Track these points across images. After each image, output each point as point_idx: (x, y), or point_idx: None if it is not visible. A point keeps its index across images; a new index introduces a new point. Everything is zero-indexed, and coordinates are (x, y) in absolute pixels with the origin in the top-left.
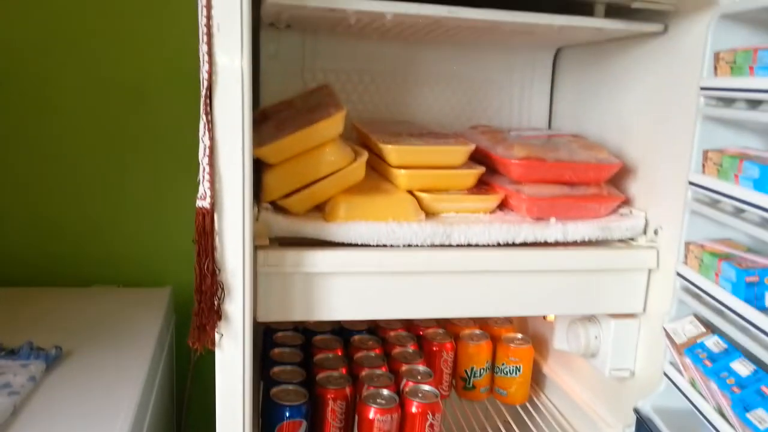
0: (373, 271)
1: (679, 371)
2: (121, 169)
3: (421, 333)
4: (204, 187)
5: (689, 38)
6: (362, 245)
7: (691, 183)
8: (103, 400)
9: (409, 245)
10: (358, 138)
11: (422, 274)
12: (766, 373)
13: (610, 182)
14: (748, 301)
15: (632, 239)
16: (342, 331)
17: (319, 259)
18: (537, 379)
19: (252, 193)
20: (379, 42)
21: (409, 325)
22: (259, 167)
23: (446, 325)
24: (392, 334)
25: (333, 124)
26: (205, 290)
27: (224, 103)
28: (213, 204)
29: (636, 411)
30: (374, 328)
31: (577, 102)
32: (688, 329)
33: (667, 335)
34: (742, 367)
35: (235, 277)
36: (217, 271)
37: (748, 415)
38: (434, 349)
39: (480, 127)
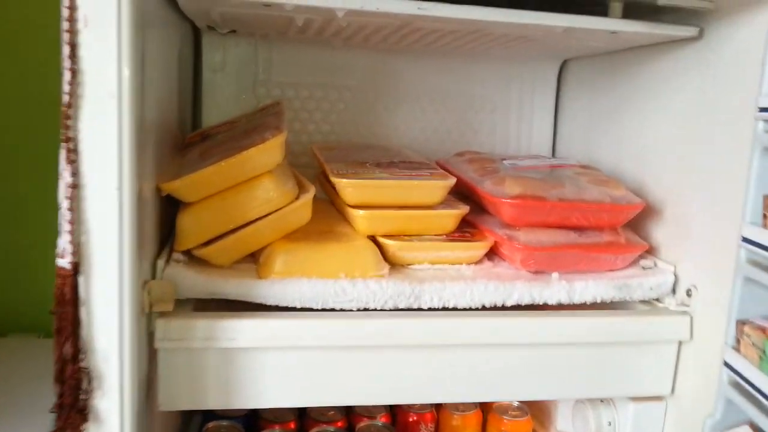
0: (316, 345)
1: None
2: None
3: None
4: (63, 241)
5: (732, 45)
6: (303, 309)
7: (745, 239)
8: None
9: (366, 309)
10: (318, 167)
11: (381, 349)
12: None
13: (628, 226)
14: None
15: (658, 300)
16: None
17: (240, 330)
18: None
19: (136, 244)
20: (347, 51)
21: None
22: (175, 207)
23: None
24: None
25: (267, 152)
26: (65, 380)
27: (93, 125)
28: (76, 264)
29: None
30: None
31: (587, 124)
32: None
33: None
34: None
35: (108, 361)
36: (82, 356)
37: None
38: (411, 420)
39: (468, 154)
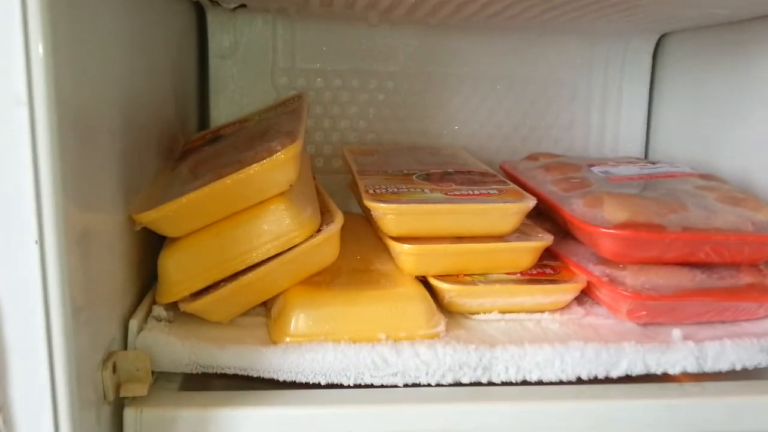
0: None
1: None
2: None
3: None
4: None
5: None
6: (329, 386)
7: None
8: None
9: (415, 385)
10: (352, 176)
11: None
12: None
13: None
14: None
15: None
16: None
17: (237, 425)
18: None
19: (72, 307)
20: (388, 29)
21: None
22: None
23: None
24: None
25: (274, 170)
26: None
27: None
28: None
29: None
30: None
31: (697, 116)
32: None
33: None
34: None
35: None
36: None
37: None
38: None
39: (542, 158)
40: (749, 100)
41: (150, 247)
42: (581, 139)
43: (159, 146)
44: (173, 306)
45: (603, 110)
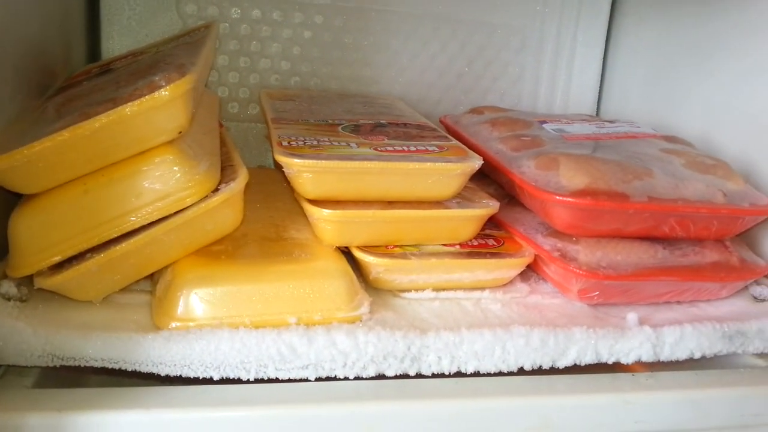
0: None
1: None
2: None
3: None
4: None
5: None
6: (223, 381)
7: None
8: None
9: (331, 378)
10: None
11: None
12: None
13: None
14: None
15: None
16: None
17: (108, 427)
18: None
19: None
20: None
21: None
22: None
23: None
24: None
25: (159, 110)
26: None
27: None
28: None
29: None
30: None
31: (656, 70)
32: None
33: None
34: None
35: None
36: None
37: None
38: None
39: (488, 111)
40: (717, 54)
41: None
42: (529, 94)
43: (26, 80)
44: (28, 281)
45: (555, 62)
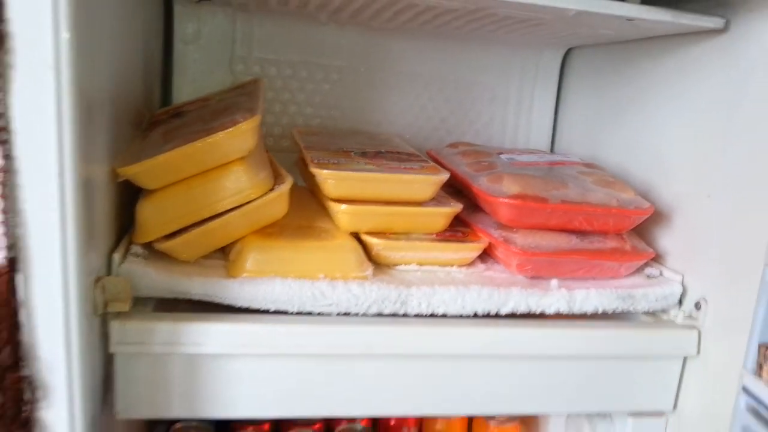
0: (291, 353)
1: None
2: None
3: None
4: None
5: (760, 40)
6: (276, 312)
7: None
8: None
9: (347, 314)
10: (299, 155)
11: (364, 358)
12: None
13: (634, 231)
14: None
15: (663, 312)
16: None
17: (207, 334)
18: None
19: (82, 236)
20: (336, 28)
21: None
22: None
23: None
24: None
25: (239, 137)
26: (4, 390)
27: (26, 99)
28: (13, 260)
29: None
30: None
31: (591, 119)
32: None
33: None
34: None
35: (54, 370)
36: (23, 363)
37: None
38: (392, 423)
39: (461, 146)
40: (633, 106)
41: (128, 198)
42: (498, 134)
43: (132, 118)
44: (148, 246)
45: (518, 110)
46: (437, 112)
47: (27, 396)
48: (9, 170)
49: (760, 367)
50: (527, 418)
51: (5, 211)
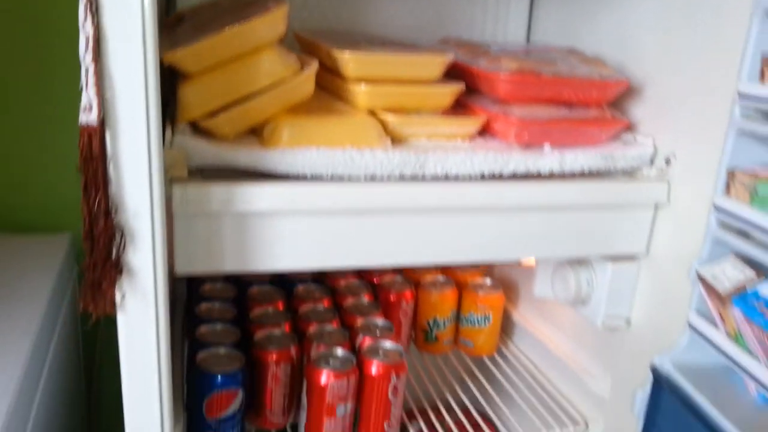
0: (328, 210)
1: (713, 323)
2: None
3: (376, 281)
4: (88, 96)
5: None
6: (312, 177)
7: (742, 94)
8: None
9: (373, 177)
10: (303, 50)
11: (389, 213)
12: None
13: (610, 106)
14: None
15: (637, 170)
16: (283, 281)
17: (256, 195)
18: (506, 327)
19: (160, 103)
20: None
21: (361, 272)
22: (174, 79)
23: (404, 271)
24: (343, 283)
25: (271, 23)
26: (97, 236)
27: None
28: (102, 118)
29: (653, 369)
30: (321, 277)
31: (565, 15)
32: (731, 274)
33: (703, 282)
34: None
35: (139, 218)
36: (113, 211)
37: None
38: (392, 299)
39: (452, 41)
40: (605, 2)
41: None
42: (478, 34)
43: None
44: (190, 126)
45: (496, 11)
46: (424, 14)
47: (117, 242)
48: (100, 38)
49: (727, 188)
50: (507, 282)
51: (97, 76)
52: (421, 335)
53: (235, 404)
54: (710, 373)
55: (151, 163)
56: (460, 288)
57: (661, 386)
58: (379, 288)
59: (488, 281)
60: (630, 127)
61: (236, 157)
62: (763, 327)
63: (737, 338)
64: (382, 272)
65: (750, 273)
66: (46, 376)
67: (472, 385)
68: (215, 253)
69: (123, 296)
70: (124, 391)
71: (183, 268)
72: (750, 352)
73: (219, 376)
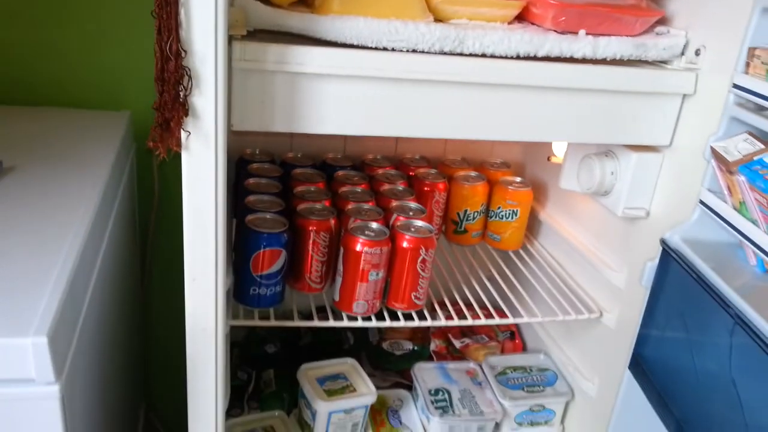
0: (372, 76)
1: (721, 198)
2: None
3: (411, 173)
4: None
5: None
6: (358, 46)
7: None
8: (49, 221)
9: (415, 50)
10: None
11: (429, 84)
12: None
13: None
14: None
15: (668, 62)
16: (325, 166)
17: (308, 57)
18: (532, 226)
19: None
20: None
21: (398, 164)
22: None
23: (439, 165)
24: (380, 171)
25: None
26: (167, 77)
27: None
28: None
29: (663, 242)
30: (360, 165)
31: None
32: (742, 147)
33: (716, 154)
34: None
35: (205, 63)
36: (183, 54)
37: None
38: (425, 188)
39: None
40: None
41: None
42: None
43: None
44: None
45: None
46: None
47: (184, 83)
48: None
49: (747, 66)
50: (537, 182)
51: None
52: (452, 227)
53: (279, 264)
54: (716, 247)
55: (217, 12)
56: (491, 184)
57: (669, 257)
58: (414, 179)
59: (518, 179)
60: (665, 21)
61: (290, 20)
62: (764, 190)
63: (741, 208)
64: (418, 165)
65: (760, 145)
66: (110, 231)
67: (498, 276)
68: (267, 111)
69: (188, 135)
70: (186, 226)
71: (238, 124)
72: (752, 221)
73: (266, 236)
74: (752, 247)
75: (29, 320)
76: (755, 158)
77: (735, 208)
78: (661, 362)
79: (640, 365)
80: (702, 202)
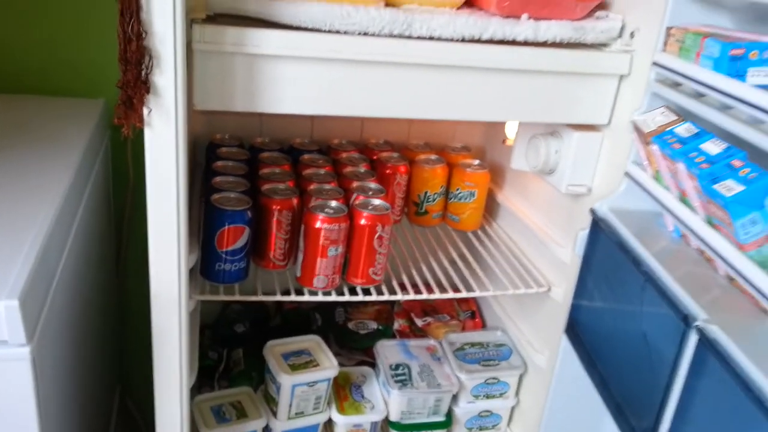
0: (325, 57)
1: (643, 169)
2: None
3: (375, 157)
4: None
5: None
6: (313, 29)
7: None
8: (23, 197)
9: (365, 33)
10: None
11: (378, 65)
12: (738, 149)
13: None
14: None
15: (605, 45)
16: (292, 150)
17: (264, 39)
18: (490, 208)
19: None
20: None
21: (363, 148)
22: None
23: (402, 150)
24: (344, 155)
25: None
26: (130, 57)
27: None
28: None
29: (592, 212)
30: (326, 149)
31: None
32: (658, 119)
33: (635, 127)
34: (713, 146)
35: (164, 44)
36: (144, 35)
37: (715, 187)
38: (387, 171)
39: None
40: None
41: None
42: None
43: None
44: None
45: None
46: None
47: (146, 62)
48: None
49: (665, 44)
50: (495, 165)
51: None
52: (413, 208)
53: (242, 240)
54: (640, 216)
55: None
56: (450, 166)
57: (598, 226)
58: (376, 162)
59: (476, 161)
60: (605, 6)
61: (248, 5)
62: (671, 157)
63: (657, 177)
64: (381, 149)
65: (674, 117)
66: (83, 207)
67: (455, 255)
68: (228, 91)
69: (149, 112)
70: (149, 199)
71: (201, 103)
72: (666, 188)
73: (229, 213)
74: (668, 213)
75: (2, 284)
76: (667, 129)
77: (654, 178)
78: (590, 324)
79: (573, 329)
80: (627, 174)
